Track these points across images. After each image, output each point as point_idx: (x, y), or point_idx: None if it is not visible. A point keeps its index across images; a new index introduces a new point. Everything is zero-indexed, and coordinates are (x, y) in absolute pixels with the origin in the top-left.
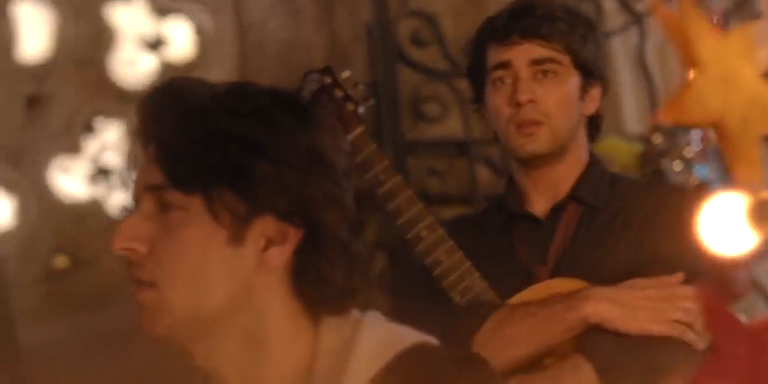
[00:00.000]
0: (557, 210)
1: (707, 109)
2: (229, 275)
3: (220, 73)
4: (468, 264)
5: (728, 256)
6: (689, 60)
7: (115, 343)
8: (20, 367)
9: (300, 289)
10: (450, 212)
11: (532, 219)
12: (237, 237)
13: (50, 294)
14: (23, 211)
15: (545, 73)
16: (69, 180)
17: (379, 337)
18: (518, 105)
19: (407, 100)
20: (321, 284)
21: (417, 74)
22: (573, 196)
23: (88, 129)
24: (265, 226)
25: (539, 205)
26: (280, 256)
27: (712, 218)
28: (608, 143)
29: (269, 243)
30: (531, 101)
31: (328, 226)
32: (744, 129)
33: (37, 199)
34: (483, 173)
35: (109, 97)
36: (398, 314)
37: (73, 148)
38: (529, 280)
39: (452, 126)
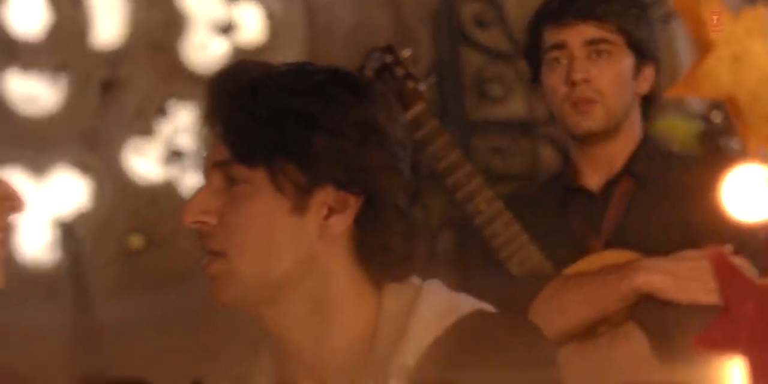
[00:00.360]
0: (611, 185)
1: (718, 84)
2: (293, 243)
3: (290, 56)
4: (525, 236)
5: (753, 223)
6: (702, 40)
7: (189, 321)
8: (97, 346)
9: (362, 255)
10: None
11: (587, 193)
12: (300, 207)
13: (125, 273)
14: (99, 193)
15: (599, 53)
16: (143, 162)
17: (438, 303)
18: (573, 84)
19: (471, 80)
20: (381, 250)
21: (481, 55)
22: (627, 171)
23: (161, 112)
24: (325, 195)
25: (594, 180)
26: (342, 223)
27: (736, 188)
28: (668, 122)
29: (330, 211)
30: (586, 80)
31: (386, 194)
32: (754, 105)
33: (112, 181)
34: (546, 152)
35: (182, 80)
36: (464, 287)
37: (146, 130)
38: (584, 251)
39: (516, 106)
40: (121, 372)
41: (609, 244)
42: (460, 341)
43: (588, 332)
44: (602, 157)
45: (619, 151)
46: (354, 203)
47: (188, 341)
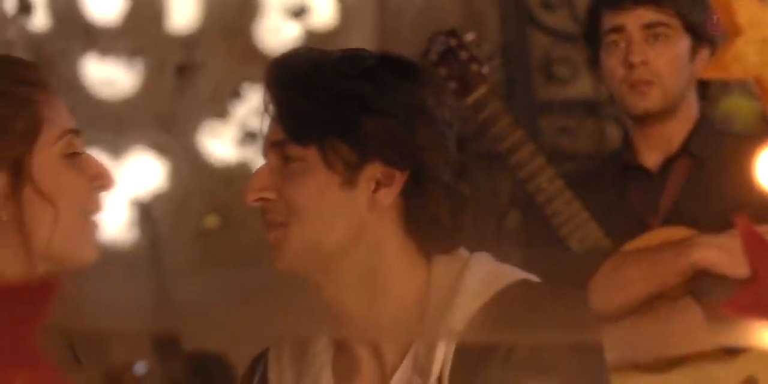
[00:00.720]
0: (669, 163)
1: (746, 66)
2: (344, 215)
3: (360, 40)
4: (585, 214)
5: None
6: (731, 25)
7: (262, 297)
8: (174, 322)
9: (410, 228)
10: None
11: (645, 172)
12: (349, 182)
13: (202, 252)
14: (175, 174)
15: (656, 36)
16: (218, 144)
17: (484, 273)
18: (631, 66)
19: (538, 62)
20: (428, 222)
21: (547, 37)
22: (684, 150)
23: (236, 95)
24: (374, 171)
25: (652, 159)
26: (389, 196)
27: None
28: (732, 102)
29: (378, 186)
30: (644, 63)
31: (431, 169)
32: None
33: (188, 163)
34: (612, 131)
35: (256, 63)
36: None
37: (221, 113)
38: (642, 228)
39: (582, 86)
40: (197, 346)
41: (666, 221)
42: (506, 308)
43: (646, 306)
44: (660, 137)
45: (677, 130)
46: (400, 178)
47: (262, 317)
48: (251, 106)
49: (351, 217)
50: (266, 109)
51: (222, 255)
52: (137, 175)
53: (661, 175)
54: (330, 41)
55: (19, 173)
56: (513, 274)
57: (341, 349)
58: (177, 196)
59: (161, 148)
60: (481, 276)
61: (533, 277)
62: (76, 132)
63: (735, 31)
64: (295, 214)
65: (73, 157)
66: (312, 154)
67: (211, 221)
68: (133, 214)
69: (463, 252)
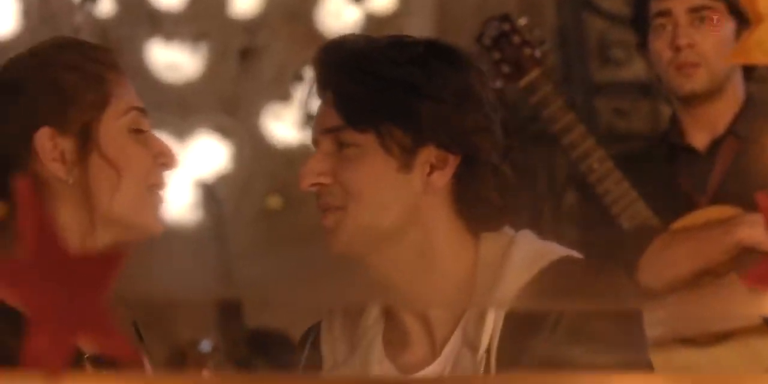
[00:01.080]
0: (716, 143)
1: (766, 52)
2: (401, 197)
3: (419, 24)
4: (634, 193)
5: None
6: (754, 12)
7: (322, 276)
8: (237, 299)
9: (460, 207)
10: None
11: (693, 152)
12: (406, 165)
13: (264, 231)
14: (239, 156)
15: (702, 19)
16: (280, 126)
17: (529, 250)
18: (678, 49)
19: (594, 45)
20: (477, 203)
21: (603, 20)
22: (730, 131)
23: (298, 78)
24: (428, 154)
25: (699, 139)
26: (442, 179)
27: None
28: None
29: (432, 169)
30: (690, 45)
31: (480, 152)
32: None
33: (251, 145)
34: (666, 112)
35: (317, 47)
36: (585, 242)
37: (283, 96)
38: (690, 207)
39: (637, 68)
40: (260, 323)
41: (714, 201)
42: (551, 282)
43: (693, 283)
44: (706, 117)
45: (723, 111)
46: (453, 161)
47: (322, 295)
48: (313, 88)
49: (407, 199)
50: (317, 95)
51: (283, 234)
52: (202, 158)
53: (709, 156)
54: (389, 25)
55: (86, 140)
56: (556, 250)
57: (392, 323)
58: (240, 177)
59: (225, 131)
60: (527, 253)
61: (575, 254)
62: (142, 110)
63: (757, 18)
64: (353, 198)
65: (139, 133)
66: (369, 139)
67: (274, 202)
68: (197, 195)
69: (508, 230)
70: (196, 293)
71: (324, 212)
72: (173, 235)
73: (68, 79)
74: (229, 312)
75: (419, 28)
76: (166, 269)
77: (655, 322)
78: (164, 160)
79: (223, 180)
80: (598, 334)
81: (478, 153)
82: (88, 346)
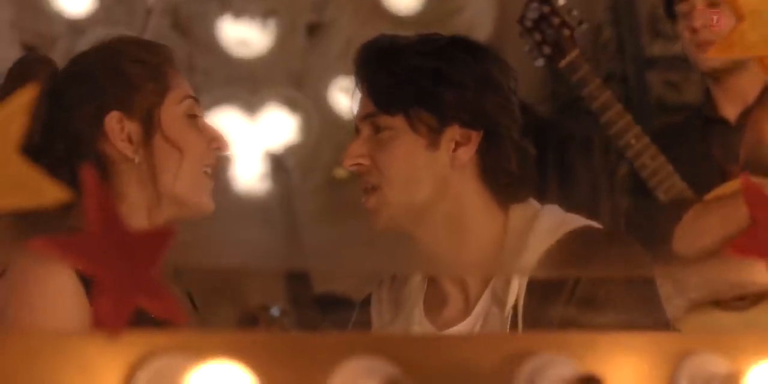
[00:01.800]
0: (746, 115)
1: (748, 46)
2: (431, 173)
3: (480, 4)
4: (670, 167)
5: None
6: (737, 11)
7: (386, 244)
8: (305, 265)
9: (486, 180)
10: None
11: (725, 123)
12: (433, 143)
13: (330, 200)
14: (306, 128)
15: (717, 4)
16: (347, 99)
17: (552, 220)
18: (695, 30)
19: (646, 20)
20: (501, 174)
21: None
22: (759, 102)
23: None
24: (453, 133)
25: (730, 111)
26: (467, 153)
27: None
28: None
29: (457, 145)
30: (705, 26)
31: (501, 129)
32: None
33: (318, 117)
34: None
35: (383, 22)
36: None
37: (349, 69)
38: (724, 178)
39: None
40: (326, 289)
41: (745, 170)
42: (569, 248)
43: (726, 248)
44: (735, 90)
45: (751, 84)
46: (476, 137)
47: (387, 262)
48: None
49: (436, 173)
50: (358, 88)
51: (349, 203)
52: (271, 130)
53: (740, 126)
54: (451, 3)
55: (150, 123)
56: (577, 221)
57: (432, 287)
58: (308, 148)
59: (293, 104)
60: (550, 222)
61: (595, 224)
62: (195, 99)
63: (740, 16)
64: (388, 177)
65: (194, 118)
66: (399, 122)
67: (340, 172)
68: (266, 166)
69: (536, 204)
70: (266, 260)
71: (365, 193)
72: (244, 204)
73: (132, 70)
74: (297, 278)
75: (481, 9)
76: (238, 238)
77: (691, 287)
78: (217, 144)
79: (291, 151)
80: (612, 298)
81: (498, 129)
82: (143, 308)
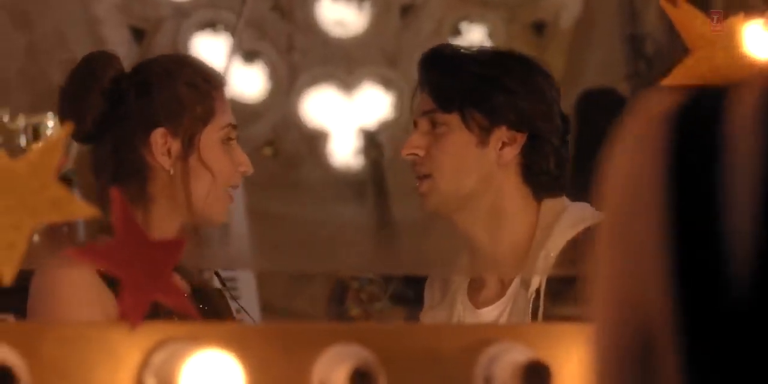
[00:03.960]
0: None
1: (700, 76)
2: (478, 167)
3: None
4: None
5: None
6: (690, 41)
7: None
8: (396, 237)
9: (526, 177)
10: None
11: None
12: (482, 141)
13: None
14: (399, 105)
15: None
16: None
17: (577, 215)
18: None
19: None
20: (539, 173)
21: None
22: None
23: (456, 32)
24: (501, 133)
25: None
26: (511, 153)
27: None
28: None
29: (504, 145)
30: None
31: (543, 133)
32: None
33: (411, 95)
34: None
35: (473, 4)
36: None
37: None
38: None
39: None
40: (414, 262)
41: None
42: (585, 241)
43: None
44: None
45: None
46: (520, 139)
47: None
48: (470, 42)
49: (483, 168)
50: (420, 88)
51: None
52: (365, 107)
53: None
54: None
55: (189, 144)
56: (599, 216)
57: (473, 268)
58: (400, 124)
59: (387, 82)
60: (575, 216)
61: None
62: (234, 126)
63: (693, 47)
64: (440, 168)
65: (228, 142)
66: (455, 119)
67: None
68: (361, 141)
69: (566, 200)
70: (358, 232)
71: (418, 179)
72: (340, 178)
73: (185, 92)
74: (386, 249)
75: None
76: (333, 211)
77: None
78: (243, 168)
79: (385, 128)
80: None
81: (540, 133)
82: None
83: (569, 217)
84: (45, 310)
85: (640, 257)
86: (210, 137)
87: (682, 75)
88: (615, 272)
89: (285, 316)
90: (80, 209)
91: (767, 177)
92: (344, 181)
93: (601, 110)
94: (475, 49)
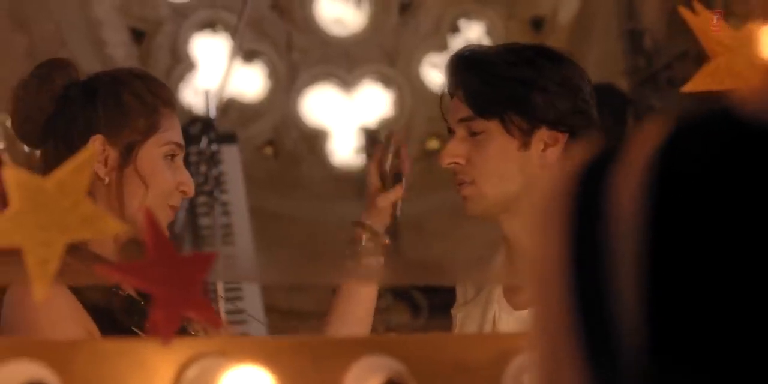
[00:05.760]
0: None
1: (719, 82)
2: (521, 170)
3: None
4: None
5: None
6: (710, 48)
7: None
8: (398, 235)
9: None
10: None
11: None
12: (524, 144)
13: (425, 171)
14: (400, 102)
15: None
16: (438, 74)
17: None
18: None
19: (721, 1)
20: None
21: None
22: None
23: (454, 29)
24: (542, 135)
25: None
26: (555, 154)
27: None
28: None
29: (546, 146)
30: None
31: (582, 130)
32: None
33: (411, 92)
34: None
35: (471, 0)
36: None
37: (441, 46)
38: None
39: None
40: (419, 257)
41: None
42: None
43: None
44: None
45: None
46: (562, 139)
47: (477, 233)
48: (468, 39)
49: (526, 171)
50: (451, 93)
51: (443, 175)
52: (366, 105)
53: None
54: None
55: (127, 155)
56: None
57: (513, 269)
58: (401, 121)
59: (387, 80)
60: None
61: None
62: (180, 146)
63: (713, 53)
64: (483, 174)
65: (171, 160)
66: (494, 125)
67: (433, 144)
68: (362, 139)
69: None
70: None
71: (460, 186)
72: (341, 177)
73: (130, 103)
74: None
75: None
76: (334, 209)
77: None
78: (184, 187)
79: (385, 125)
80: None
81: (579, 131)
82: (191, 318)
83: None
84: (24, 325)
85: (555, 335)
86: (150, 151)
87: (702, 82)
88: (541, 353)
89: (289, 317)
90: (110, 225)
91: (650, 248)
92: (345, 179)
93: (600, 106)
94: (501, 48)
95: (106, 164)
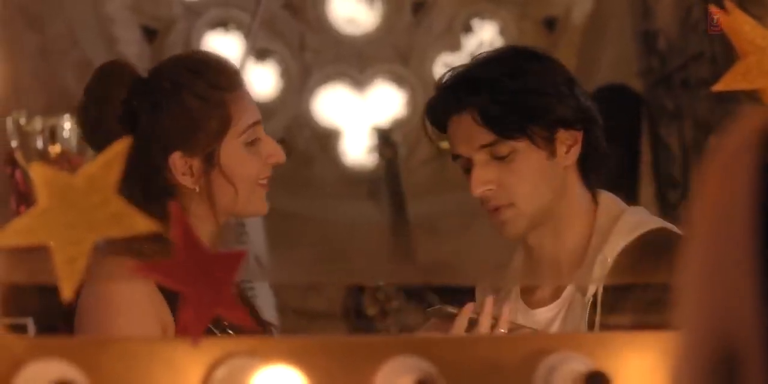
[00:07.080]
0: None
1: (750, 81)
2: (553, 178)
3: None
4: None
5: None
6: (741, 48)
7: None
8: (410, 236)
9: (585, 174)
10: None
11: None
12: (550, 152)
13: (436, 173)
14: (412, 102)
15: None
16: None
17: (634, 221)
18: None
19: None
20: (593, 165)
21: None
22: None
23: (467, 29)
24: (561, 136)
25: None
26: (576, 153)
27: None
28: None
29: (568, 147)
30: None
31: (592, 122)
32: None
33: (424, 91)
34: None
35: (485, 1)
36: None
37: (454, 46)
38: None
39: None
40: (429, 258)
41: None
42: (643, 247)
43: None
44: None
45: None
46: (579, 135)
47: (490, 233)
48: (481, 39)
49: (555, 179)
50: (452, 114)
51: (455, 175)
52: (378, 105)
53: None
54: None
55: (210, 160)
56: (655, 222)
57: (530, 270)
58: (414, 122)
59: (399, 79)
60: (631, 223)
61: (672, 226)
62: (258, 122)
63: (744, 53)
64: (520, 194)
65: (253, 143)
66: (521, 144)
67: (445, 145)
68: (374, 139)
69: (622, 203)
70: (372, 229)
71: (495, 211)
72: (353, 177)
73: (196, 108)
74: (402, 249)
75: None
76: (347, 209)
77: None
78: (273, 159)
79: (398, 125)
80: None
81: (590, 123)
82: (221, 318)
83: (626, 222)
84: (99, 323)
85: (733, 274)
86: (230, 147)
87: (732, 81)
88: (705, 287)
89: (302, 316)
90: (139, 223)
91: None
92: (357, 179)
93: (614, 106)
94: (481, 63)
95: (192, 174)
